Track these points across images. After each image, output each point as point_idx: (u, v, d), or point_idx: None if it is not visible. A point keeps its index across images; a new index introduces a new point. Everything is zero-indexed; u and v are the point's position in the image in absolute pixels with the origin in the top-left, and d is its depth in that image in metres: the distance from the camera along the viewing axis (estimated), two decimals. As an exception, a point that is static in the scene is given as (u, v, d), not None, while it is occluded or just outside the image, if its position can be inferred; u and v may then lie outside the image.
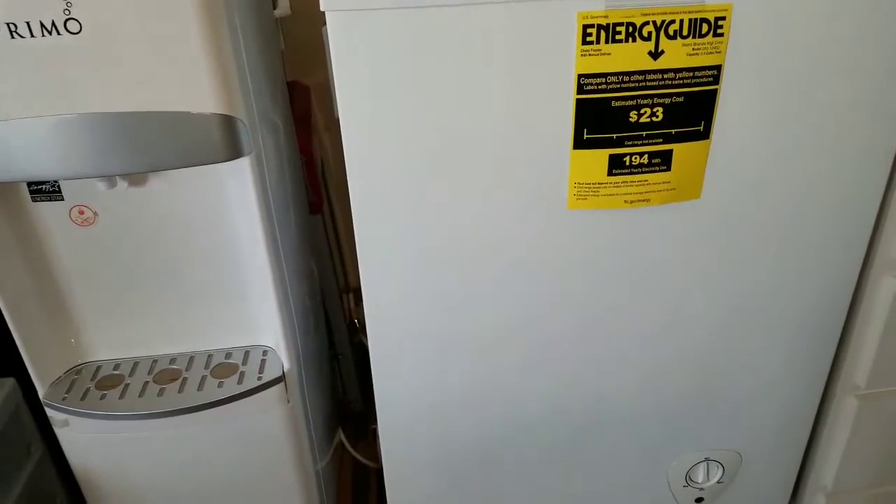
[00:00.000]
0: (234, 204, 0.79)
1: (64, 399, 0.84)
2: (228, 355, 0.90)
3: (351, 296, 1.42)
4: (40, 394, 0.86)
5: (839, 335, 0.89)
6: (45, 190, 0.78)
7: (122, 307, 0.87)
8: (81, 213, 0.80)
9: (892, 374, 0.90)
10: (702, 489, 1.00)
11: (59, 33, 0.62)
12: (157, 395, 0.84)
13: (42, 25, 0.61)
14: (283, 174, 0.88)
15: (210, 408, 0.83)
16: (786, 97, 0.70)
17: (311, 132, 1.15)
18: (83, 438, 0.87)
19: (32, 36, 0.62)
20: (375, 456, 1.28)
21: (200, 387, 0.85)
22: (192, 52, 0.64)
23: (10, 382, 0.96)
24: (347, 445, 1.25)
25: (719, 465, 0.98)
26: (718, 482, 0.99)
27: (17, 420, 0.97)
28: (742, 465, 0.98)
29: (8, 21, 0.61)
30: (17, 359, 0.98)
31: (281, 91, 0.93)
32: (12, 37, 0.62)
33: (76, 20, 0.62)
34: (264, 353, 0.90)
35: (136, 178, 0.77)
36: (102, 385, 0.86)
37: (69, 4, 0.61)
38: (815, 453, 1.01)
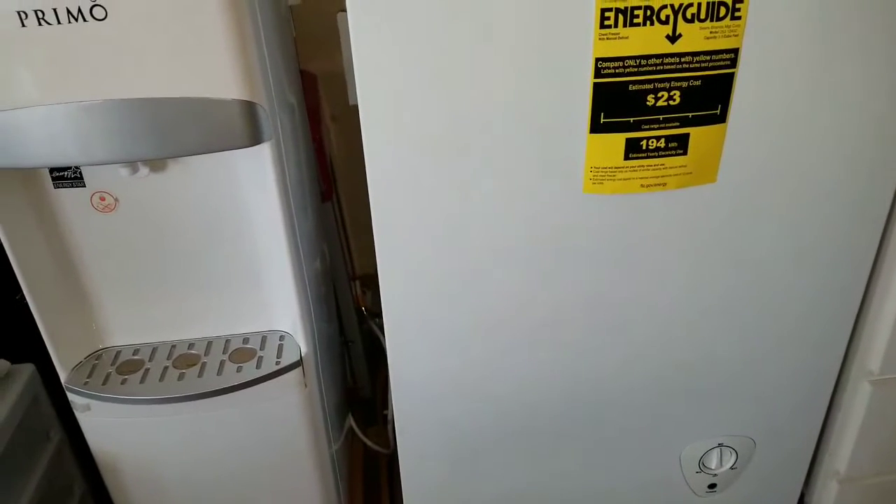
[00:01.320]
0: (252, 189, 0.80)
1: (86, 384, 0.85)
2: (246, 340, 0.91)
3: (357, 283, 1.43)
4: (62, 379, 0.87)
5: (854, 320, 0.89)
6: (66, 177, 0.79)
7: (140, 293, 0.88)
8: (102, 199, 0.80)
9: (905, 359, 0.91)
10: (715, 475, 1.00)
11: (84, 20, 0.63)
12: (178, 380, 0.85)
13: (69, 12, 0.62)
14: (299, 161, 0.88)
15: (230, 392, 0.84)
16: (802, 81, 0.70)
17: (320, 120, 1.16)
18: (104, 423, 0.88)
19: (59, 22, 0.63)
20: (385, 442, 1.29)
21: (220, 371, 0.86)
22: (216, 38, 0.65)
23: (29, 368, 0.97)
24: (358, 431, 1.26)
25: (732, 451, 0.98)
26: (732, 468, 0.99)
27: (37, 406, 0.98)
28: (755, 450, 0.99)
29: (36, 8, 0.62)
30: (36, 345, 0.99)
31: (295, 78, 0.93)
32: (39, 24, 0.63)
33: (102, 6, 0.62)
34: (281, 337, 0.91)
35: (156, 164, 0.78)
36: (123, 370, 0.87)
37: (95, -10, 0.61)
38: (828, 439, 1.01)
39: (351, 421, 1.25)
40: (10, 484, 0.90)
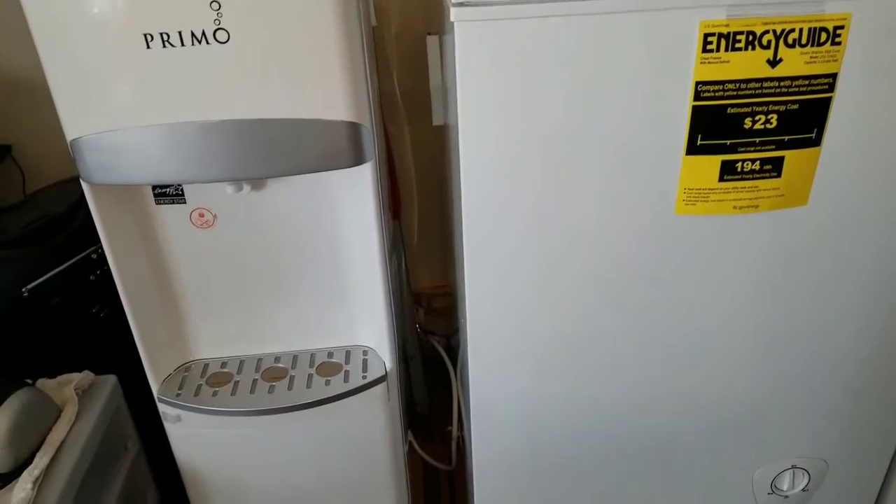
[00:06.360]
0: (347, 207, 0.82)
1: (178, 395, 0.87)
2: (330, 355, 0.92)
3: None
4: (154, 390, 0.89)
5: (932, 343, 0.89)
6: (168, 193, 0.81)
7: (230, 307, 0.90)
8: (202, 215, 0.82)
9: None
10: (786, 497, 1.00)
11: (207, 42, 0.65)
12: (268, 392, 0.87)
13: (193, 35, 0.64)
14: (384, 180, 0.90)
15: (320, 405, 0.85)
16: (898, 105, 0.71)
17: (388, 138, 1.18)
18: (194, 434, 0.90)
19: (183, 45, 0.65)
20: (444, 458, 1.29)
21: (308, 384, 0.87)
22: (332, 62, 0.67)
23: (111, 379, 0.99)
24: (418, 448, 1.26)
25: (805, 473, 0.98)
26: (804, 490, 0.99)
27: (118, 417, 1.00)
28: (828, 472, 0.98)
29: (162, 31, 0.64)
30: (116, 357, 1.01)
31: (379, 97, 0.95)
32: (164, 46, 0.65)
33: (225, 30, 0.65)
34: (364, 352, 0.92)
35: (257, 182, 0.80)
36: (213, 382, 0.89)
37: (220, 15, 0.63)
38: (900, 462, 1.01)
39: (411, 437, 1.25)
40: (96, 493, 0.92)
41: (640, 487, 0.98)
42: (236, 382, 0.88)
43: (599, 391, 0.88)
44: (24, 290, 0.96)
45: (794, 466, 0.97)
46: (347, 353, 0.92)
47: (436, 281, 1.51)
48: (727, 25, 0.66)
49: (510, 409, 0.89)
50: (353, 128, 0.71)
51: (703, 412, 0.91)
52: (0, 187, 1.20)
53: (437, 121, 0.90)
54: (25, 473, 0.81)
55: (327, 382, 0.87)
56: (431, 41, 0.85)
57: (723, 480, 0.98)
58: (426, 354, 1.41)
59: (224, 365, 0.92)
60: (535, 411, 0.89)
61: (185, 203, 0.82)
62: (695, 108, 0.70)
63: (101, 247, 1.02)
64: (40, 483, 0.81)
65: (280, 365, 0.91)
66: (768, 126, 0.71)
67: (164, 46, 0.65)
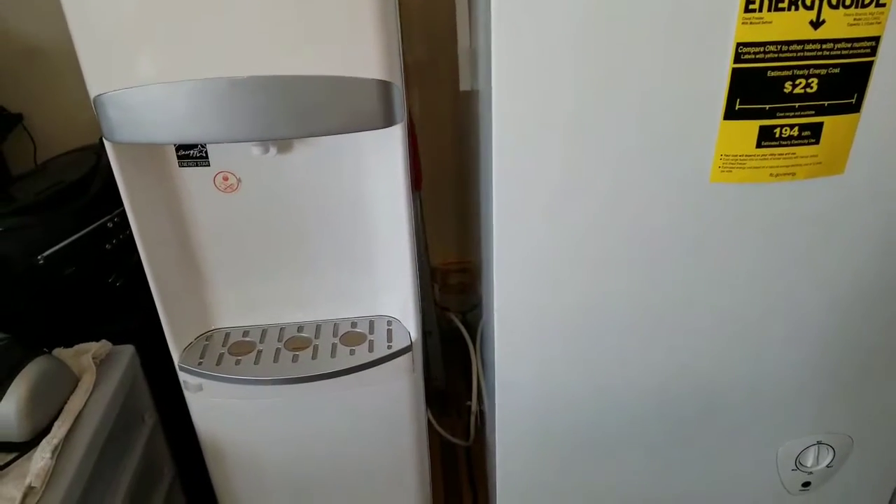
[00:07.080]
0: (375, 172, 0.80)
1: (200, 364, 0.85)
2: (354, 324, 0.91)
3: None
4: (175, 359, 0.88)
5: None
6: (192, 155, 0.79)
7: (253, 274, 0.89)
8: (226, 179, 0.81)
9: None
10: (810, 473, 0.99)
11: (237, -7, 0.63)
12: (292, 362, 0.85)
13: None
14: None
15: (345, 374, 0.84)
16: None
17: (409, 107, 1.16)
18: (215, 404, 0.88)
19: (207, -6, 0.63)
20: (461, 433, 1.29)
21: (333, 354, 0.86)
22: (365, 16, 0.65)
23: (129, 349, 0.98)
24: (434, 422, 1.25)
25: (830, 449, 0.97)
26: (828, 466, 0.98)
27: (135, 387, 0.98)
28: (853, 448, 0.98)
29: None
30: (131, 328, 1.00)
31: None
32: (193, -4, 0.63)
33: (256, -18, 0.63)
34: (388, 322, 0.91)
35: (283, 144, 0.79)
36: (235, 351, 0.88)
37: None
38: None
39: (428, 413, 1.24)
40: (114, 464, 0.91)
41: (663, 466, 0.97)
42: (259, 351, 0.87)
43: (627, 366, 0.87)
44: (39, 257, 0.94)
45: (819, 442, 0.96)
46: (371, 323, 0.90)
47: (449, 257, 1.49)
48: (772, -16, 0.64)
49: (535, 386, 0.88)
50: (385, 87, 0.69)
51: (729, 388, 0.90)
52: (12, 156, 1.18)
53: (464, 86, 0.88)
54: (44, 442, 0.80)
55: (352, 352, 0.86)
56: (460, 1, 0.83)
57: (748, 457, 0.97)
58: (442, 330, 1.40)
59: (246, 334, 0.90)
60: (562, 389, 0.88)
61: (208, 166, 0.80)
62: (735, 71, 0.68)
63: (118, 216, 1.01)
64: (59, 452, 0.80)
65: (303, 334, 0.90)
66: (808, 90, 0.69)
67: (194, -3, 0.63)
